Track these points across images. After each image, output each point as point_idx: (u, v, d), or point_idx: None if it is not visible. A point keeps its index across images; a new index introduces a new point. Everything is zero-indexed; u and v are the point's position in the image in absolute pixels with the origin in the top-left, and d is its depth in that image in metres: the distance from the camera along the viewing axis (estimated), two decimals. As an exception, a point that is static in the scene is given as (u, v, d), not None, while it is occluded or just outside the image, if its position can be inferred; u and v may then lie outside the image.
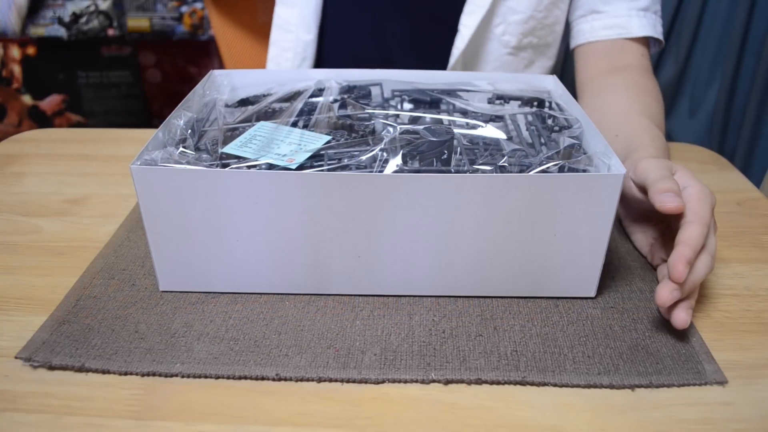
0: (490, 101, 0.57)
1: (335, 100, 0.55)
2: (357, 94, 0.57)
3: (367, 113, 0.52)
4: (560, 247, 0.45)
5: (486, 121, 0.51)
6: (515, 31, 0.77)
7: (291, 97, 0.56)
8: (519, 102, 0.56)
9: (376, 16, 0.81)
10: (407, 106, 0.57)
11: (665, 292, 0.42)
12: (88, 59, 1.80)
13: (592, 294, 0.47)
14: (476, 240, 0.44)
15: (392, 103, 0.58)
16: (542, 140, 0.49)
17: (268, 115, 0.53)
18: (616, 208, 0.43)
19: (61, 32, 1.71)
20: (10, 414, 0.38)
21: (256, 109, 0.53)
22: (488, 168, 0.45)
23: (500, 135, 0.49)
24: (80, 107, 1.87)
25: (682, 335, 0.44)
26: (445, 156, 0.46)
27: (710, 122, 1.43)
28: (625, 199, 0.43)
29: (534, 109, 0.55)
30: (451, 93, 0.57)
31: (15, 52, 1.78)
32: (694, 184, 0.46)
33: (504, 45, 0.78)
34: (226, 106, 0.55)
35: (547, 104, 0.56)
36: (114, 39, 1.75)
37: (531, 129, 0.51)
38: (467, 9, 0.76)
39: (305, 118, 0.52)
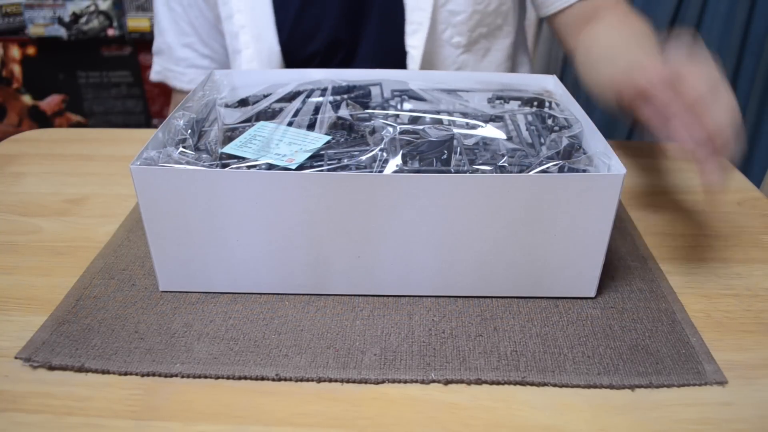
0: (490, 101, 0.57)
1: (335, 100, 0.55)
2: (357, 94, 0.57)
3: (367, 113, 0.52)
4: (560, 247, 0.45)
5: (486, 121, 0.51)
6: (463, 30, 0.76)
7: (291, 97, 0.56)
8: (519, 102, 0.56)
9: (322, 59, 0.79)
10: (407, 106, 0.57)
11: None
12: (88, 59, 1.80)
13: (592, 294, 0.47)
14: (476, 240, 0.44)
15: (392, 103, 0.58)
16: (542, 140, 0.49)
17: (268, 115, 0.53)
18: (616, 208, 0.43)
19: (61, 32, 1.71)
20: (10, 414, 0.38)
21: (256, 109, 0.53)
22: (488, 168, 0.45)
23: (500, 135, 0.49)
24: (80, 107, 1.87)
25: (682, 335, 0.44)
26: (445, 156, 0.46)
27: (710, 122, 1.43)
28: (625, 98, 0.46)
29: (534, 109, 0.55)
30: (451, 93, 0.57)
31: (15, 52, 1.78)
32: (688, 71, 0.45)
33: (456, 46, 0.77)
34: (226, 106, 0.55)
35: (547, 104, 0.56)
36: (114, 39, 1.75)
37: (531, 129, 0.51)
38: (409, 29, 0.74)
39: (305, 118, 0.52)
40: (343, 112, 0.52)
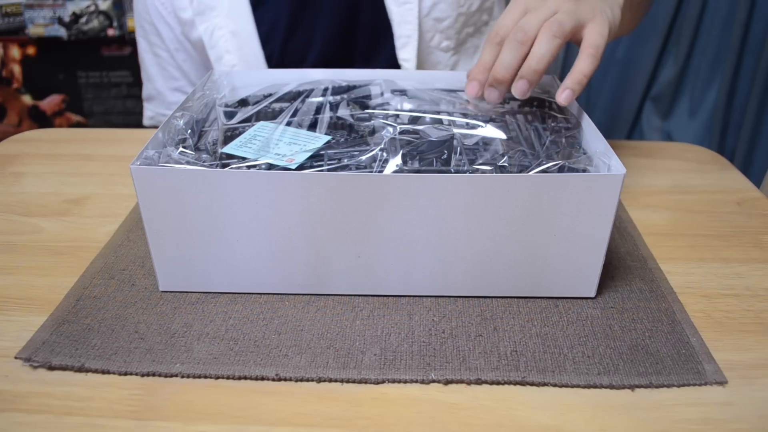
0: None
1: (335, 100, 0.55)
2: (357, 93, 0.57)
3: (367, 113, 0.52)
4: (560, 247, 0.45)
5: (486, 121, 0.51)
6: (450, 34, 0.76)
7: (291, 98, 0.56)
8: (519, 102, 0.56)
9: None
10: (407, 106, 0.57)
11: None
12: (88, 59, 1.80)
13: (592, 294, 0.47)
14: (476, 240, 0.44)
15: (392, 103, 0.58)
16: (542, 140, 0.49)
17: (268, 115, 0.53)
18: (616, 208, 0.43)
19: (61, 32, 1.71)
20: (10, 414, 0.38)
21: (256, 109, 0.53)
22: (488, 168, 0.45)
23: (500, 135, 0.49)
24: (80, 107, 1.88)
25: (682, 335, 0.44)
26: (445, 156, 0.46)
27: (710, 122, 1.43)
28: None
29: (534, 109, 0.55)
30: (451, 93, 0.57)
31: (15, 52, 1.78)
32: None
33: (445, 50, 0.77)
34: (226, 106, 0.55)
35: (547, 104, 0.56)
36: (114, 39, 1.75)
37: (531, 129, 0.51)
38: (398, 44, 0.74)
39: (305, 118, 0.52)
40: (343, 111, 0.52)
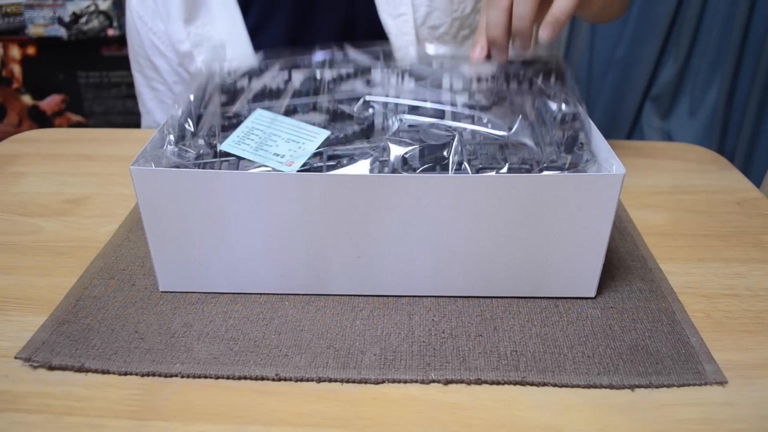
0: (494, 77, 0.56)
1: (333, 78, 0.54)
2: (357, 70, 0.56)
3: (366, 99, 0.51)
4: (560, 247, 0.45)
5: (488, 107, 0.50)
6: (447, 39, 0.77)
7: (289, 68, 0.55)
8: (519, 81, 0.55)
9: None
10: (408, 85, 0.56)
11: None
12: (88, 59, 1.80)
13: (592, 294, 0.47)
14: (476, 240, 0.44)
15: (392, 81, 0.56)
16: (543, 139, 0.49)
17: (265, 95, 0.52)
18: (616, 208, 0.43)
19: (61, 32, 1.71)
20: (10, 414, 0.38)
21: (254, 91, 0.52)
22: (488, 168, 0.44)
23: (501, 134, 0.49)
24: (80, 107, 1.87)
25: (682, 335, 0.44)
26: (445, 157, 0.46)
27: (710, 122, 1.43)
28: None
29: (537, 85, 0.53)
30: (454, 70, 0.56)
31: (15, 52, 1.78)
32: None
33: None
34: (222, 91, 0.54)
35: (553, 75, 0.54)
36: (114, 39, 1.75)
37: (533, 126, 0.51)
38: (398, 56, 0.74)
39: (302, 104, 0.51)
40: (341, 92, 0.52)
